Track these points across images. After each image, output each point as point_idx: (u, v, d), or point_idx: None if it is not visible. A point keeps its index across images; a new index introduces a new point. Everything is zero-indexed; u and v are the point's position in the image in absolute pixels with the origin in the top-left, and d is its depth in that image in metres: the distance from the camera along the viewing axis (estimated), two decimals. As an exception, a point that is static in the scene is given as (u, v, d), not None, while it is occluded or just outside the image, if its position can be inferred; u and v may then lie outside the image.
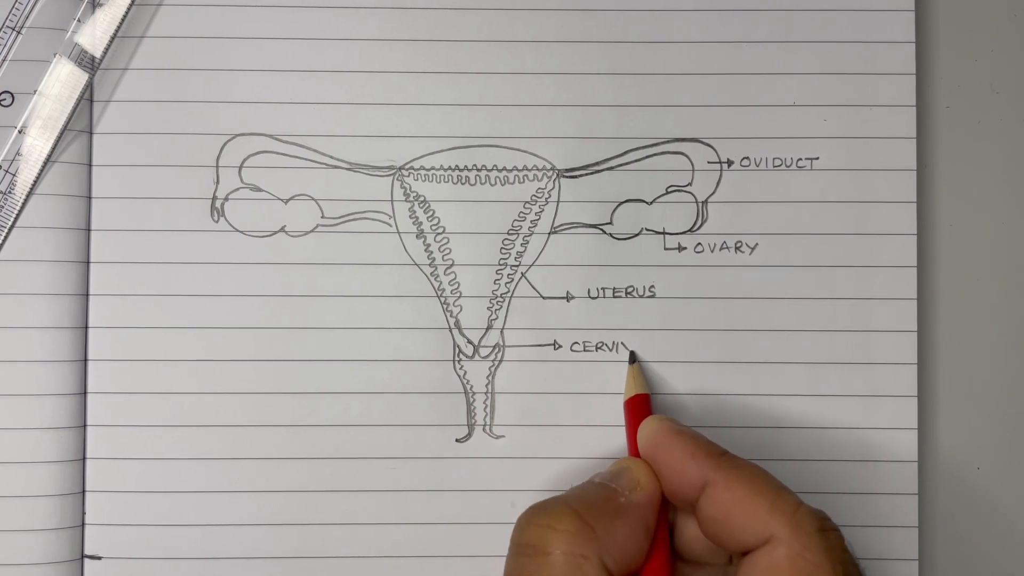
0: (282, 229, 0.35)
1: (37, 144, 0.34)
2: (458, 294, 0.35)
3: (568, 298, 0.35)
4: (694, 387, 0.35)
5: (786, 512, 0.27)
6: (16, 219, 0.34)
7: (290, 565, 0.35)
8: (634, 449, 0.32)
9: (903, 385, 0.35)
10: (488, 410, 0.35)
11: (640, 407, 0.33)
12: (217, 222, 0.35)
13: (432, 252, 0.35)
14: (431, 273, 0.35)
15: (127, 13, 0.35)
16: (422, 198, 0.35)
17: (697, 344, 0.35)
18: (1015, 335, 0.36)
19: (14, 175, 0.34)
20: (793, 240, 0.35)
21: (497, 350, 0.35)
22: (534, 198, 0.35)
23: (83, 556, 0.34)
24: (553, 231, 0.35)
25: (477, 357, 0.35)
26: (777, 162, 0.35)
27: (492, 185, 0.35)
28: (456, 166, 0.35)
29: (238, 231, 0.35)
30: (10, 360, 0.34)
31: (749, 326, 0.35)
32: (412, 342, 0.35)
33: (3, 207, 0.34)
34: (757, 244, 0.35)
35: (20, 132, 0.34)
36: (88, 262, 0.35)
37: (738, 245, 0.35)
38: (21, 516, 0.34)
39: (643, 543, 0.29)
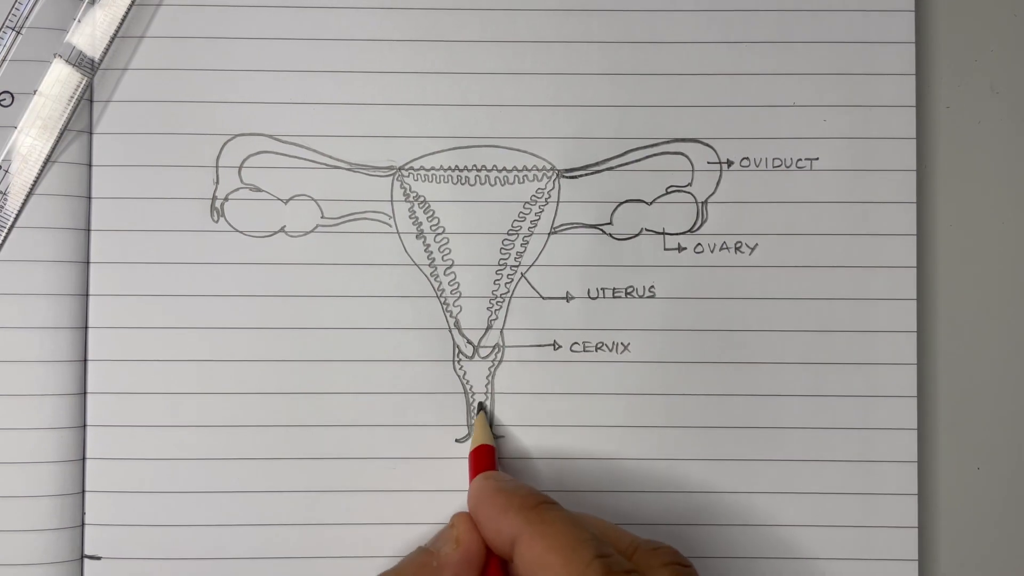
0: (282, 229, 0.35)
1: (37, 144, 0.34)
2: (458, 294, 0.35)
3: (568, 298, 0.35)
4: (693, 388, 0.35)
5: (577, 569, 0.27)
6: (16, 219, 0.34)
7: (290, 565, 0.35)
8: None
9: (903, 385, 0.35)
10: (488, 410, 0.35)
11: (482, 459, 0.33)
12: (217, 222, 0.35)
13: (432, 252, 0.35)
14: (431, 273, 0.35)
15: (127, 13, 0.35)
16: (422, 198, 0.35)
17: (697, 344, 0.35)
18: (1015, 335, 0.36)
19: (14, 175, 0.34)
20: (793, 240, 0.35)
21: (497, 350, 0.35)
22: (534, 198, 0.35)
23: (83, 556, 0.34)
24: (553, 231, 0.35)
25: (477, 357, 0.35)
26: (777, 162, 0.35)
27: (492, 185, 0.35)
28: (456, 166, 0.35)
29: (238, 231, 0.35)
30: (10, 360, 0.34)
31: (749, 326, 0.35)
32: (412, 342, 0.35)
33: (3, 207, 0.34)
34: (757, 244, 0.35)
35: (20, 132, 0.34)
36: (88, 262, 0.35)
37: (738, 245, 0.35)
38: (21, 516, 0.34)
39: None
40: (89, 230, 0.35)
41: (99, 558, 0.34)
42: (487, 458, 0.33)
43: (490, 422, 0.35)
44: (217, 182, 0.35)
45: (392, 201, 0.35)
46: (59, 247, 0.34)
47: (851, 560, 0.35)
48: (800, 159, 0.35)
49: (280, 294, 0.35)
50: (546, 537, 0.28)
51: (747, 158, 0.35)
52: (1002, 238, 0.36)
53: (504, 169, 0.35)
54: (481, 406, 0.35)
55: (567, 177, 0.35)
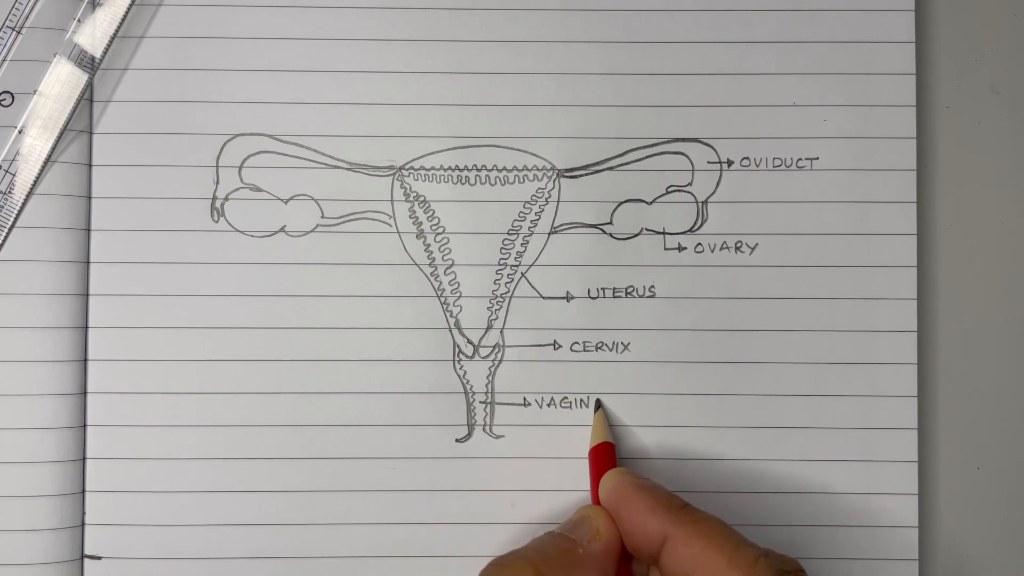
0: (282, 229, 0.35)
1: (37, 144, 0.34)
2: (458, 294, 0.35)
3: (568, 298, 0.35)
4: (693, 388, 0.35)
5: (743, 566, 0.27)
6: (16, 219, 0.34)
7: (290, 565, 0.35)
8: (597, 498, 0.32)
9: (903, 385, 0.35)
10: (488, 410, 0.35)
11: (605, 456, 0.33)
12: (217, 222, 0.35)
13: (432, 252, 0.35)
14: (431, 273, 0.35)
15: (127, 13, 0.35)
16: (422, 198, 0.35)
17: (697, 344, 0.35)
18: (1015, 335, 0.36)
19: (14, 175, 0.34)
20: (793, 240, 0.35)
21: (497, 350, 0.35)
22: (534, 198, 0.35)
23: (83, 556, 0.34)
24: (553, 231, 0.35)
25: (477, 357, 0.35)
26: (777, 162, 0.35)
27: (492, 185, 0.35)
28: (456, 166, 0.35)
29: (238, 231, 0.35)
30: (10, 360, 0.34)
31: (749, 326, 0.35)
32: (412, 342, 0.35)
33: (3, 207, 0.34)
34: (757, 244, 0.35)
35: (20, 132, 0.34)
36: (88, 262, 0.35)
37: (738, 245, 0.35)
38: (21, 516, 0.34)
39: None
40: (89, 230, 0.35)
41: (99, 558, 0.34)
42: (610, 455, 0.33)
43: (490, 423, 0.35)
44: (217, 182, 0.35)
45: (392, 201, 0.35)
46: (59, 247, 0.34)
47: (851, 560, 0.35)
48: (800, 159, 0.35)
49: (280, 294, 0.35)
50: (704, 536, 0.28)
51: (747, 158, 0.35)
52: (1002, 238, 0.36)
53: (504, 169, 0.35)
54: (599, 403, 0.35)
55: (567, 177, 0.35)
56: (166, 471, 0.35)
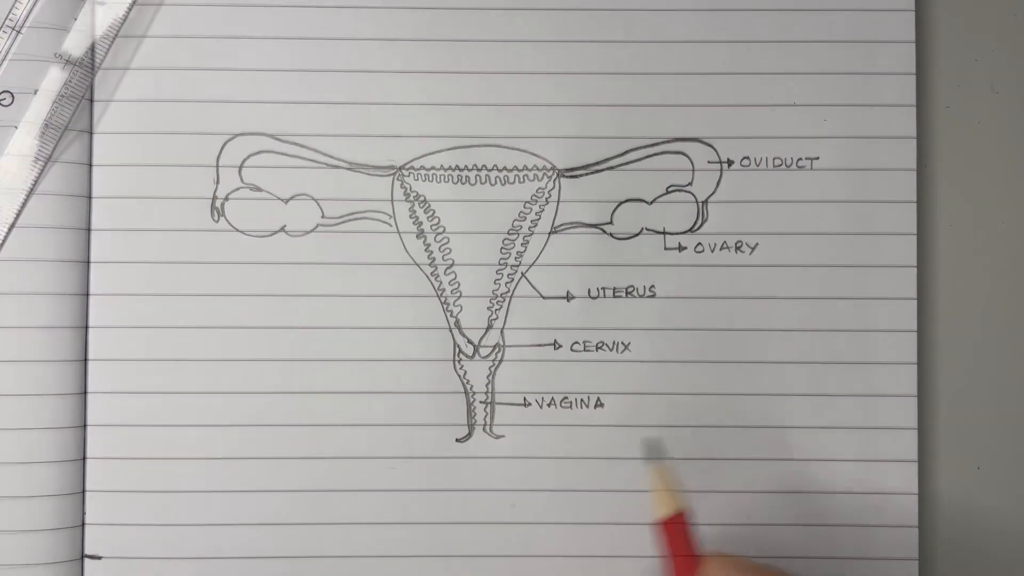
0: (282, 229, 0.35)
1: (37, 144, 0.34)
2: (458, 294, 0.35)
3: (568, 298, 0.35)
4: (693, 388, 0.35)
5: None
6: (16, 219, 0.34)
7: (290, 565, 0.35)
8: None
9: (903, 385, 0.35)
10: (488, 410, 0.35)
11: (683, 533, 0.29)
12: (217, 222, 0.35)
13: (432, 252, 0.35)
14: (431, 273, 0.35)
15: (127, 13, 0.35)
16: (422, 198, 0.35)
17: (697, 344, 0.35)
18: (1015, 335, 0.36)
19: (14, 175, 0.34)
20: (793, 240, 0.35)
21: (497, 350, 0.35)
22: (534, 198, 0.35)
23: (83, 556, 0.34)
24: (553, 231, 0.35)
25: (477, 357, 0.35)
26: (777, 162, 0.35)
27: (492, 185, 0.35)
28: (456, 166, 0.35)
29: (238, 231, 0.35)
30: (10, 360, 0.34)
31: (749, 326, 0.35)
32: (412, 342, 0.35)
33: (3, 207, 0.34)
34: (757, 244, 0.35)
35: (20, 132, 0.34)
36: (88, 262, 0.35)
37: (738, 245, 0.35)
38: (21, 516, 0.34)
39: None
40: (89, 230, 0.35)
41: (99, 558, 0.34)
42: (687, 530, 0.30)
43: (490, 423, 0.35)
44: (217, 182, 0.35)
45: (392, 201, 0.35)
46: (60, 246, 0.34)
47: (852, 559, 0.35)
48: (800, 159, 0.35)
49: (280, 294, 0.35)
50: None
51: (747, 157, 0.35)
52: (1002, 238, 0.36)
53: (504, 169, 0.35)
54: (656, 448, 0.32)
55: (567, 177, 0.35)
56: (166, 471, 0.35)
